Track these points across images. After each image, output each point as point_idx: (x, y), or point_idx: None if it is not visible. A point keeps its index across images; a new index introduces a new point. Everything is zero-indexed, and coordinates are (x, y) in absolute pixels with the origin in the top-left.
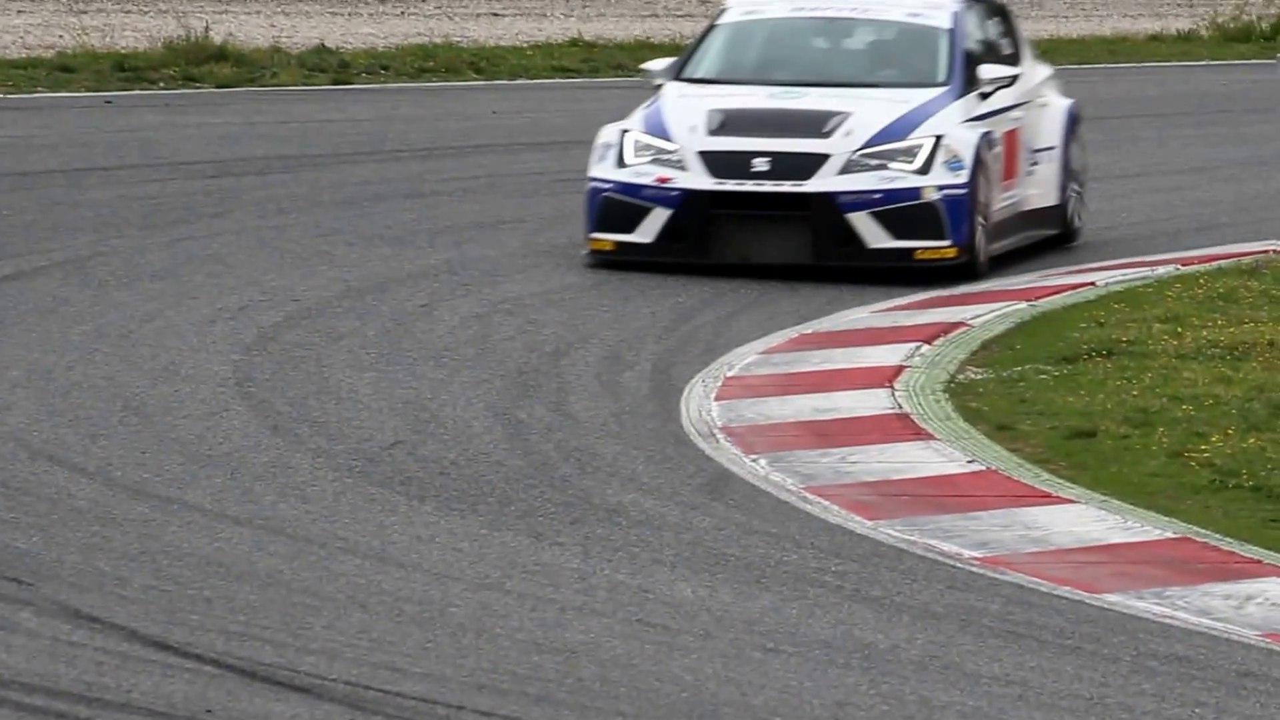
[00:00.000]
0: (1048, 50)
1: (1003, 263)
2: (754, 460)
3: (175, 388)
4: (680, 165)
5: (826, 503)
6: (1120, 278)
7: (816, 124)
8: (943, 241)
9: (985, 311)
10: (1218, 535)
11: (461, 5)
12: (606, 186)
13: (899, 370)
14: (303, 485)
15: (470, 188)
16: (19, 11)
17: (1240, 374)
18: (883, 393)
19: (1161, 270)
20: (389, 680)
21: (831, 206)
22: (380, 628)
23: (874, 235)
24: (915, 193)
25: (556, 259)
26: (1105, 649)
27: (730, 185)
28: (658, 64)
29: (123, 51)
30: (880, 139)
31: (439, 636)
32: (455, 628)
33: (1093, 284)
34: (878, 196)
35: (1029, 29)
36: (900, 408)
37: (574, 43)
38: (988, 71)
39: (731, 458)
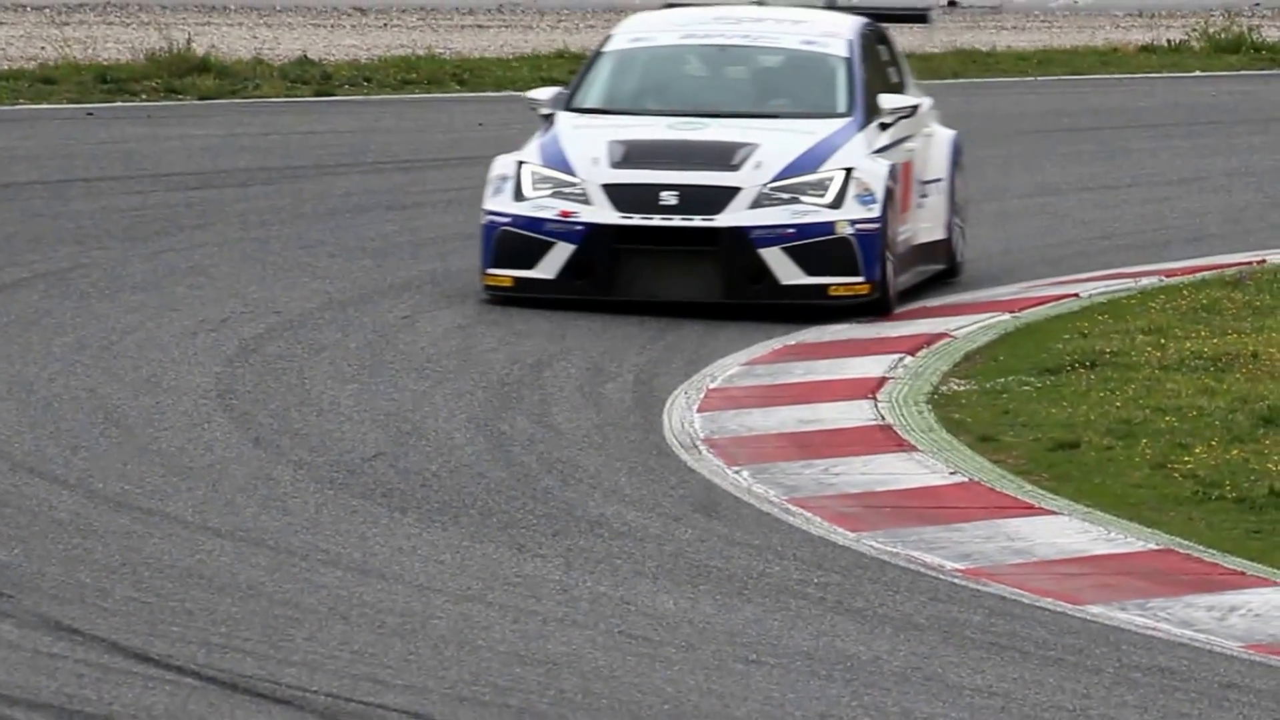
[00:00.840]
0: (1041, 62)
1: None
2: (737, 472)
3: (157, 400)
4: (583, 199)
5: (809, 514)
6: (1104, 289)
7: (724, 156)
8: (856, 278)
9: (968, 323)
10: (1201, 547)
11: (445, 17)
12: (504, 220)
13: (882, 382)
14: (284, 497)
15: (453, 199)
16: (0, 23)
17: (1223, 385)
18: (865, 404)
19: (1145, 281)
20: (370, 692)
21: (744, 242)
22: (362, 640)
23: (787, 272)
24: (829, 228)
25: None
26: (1088, 660)
27: (637, 220)
28: (545, 93)
29: (105, 63)
30: (790, 172)
31: (421, 648)
32: (437, 640)
33: (1076, 295)
34: (791, 231)
35: (1024, 40)
36: (883, 419)
37: (560, 54)
38: (888, 101)
39: (714, 469)
